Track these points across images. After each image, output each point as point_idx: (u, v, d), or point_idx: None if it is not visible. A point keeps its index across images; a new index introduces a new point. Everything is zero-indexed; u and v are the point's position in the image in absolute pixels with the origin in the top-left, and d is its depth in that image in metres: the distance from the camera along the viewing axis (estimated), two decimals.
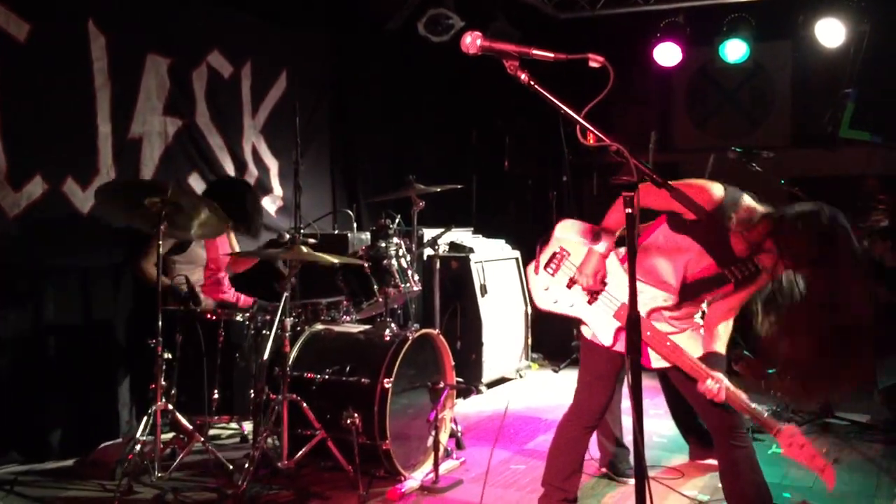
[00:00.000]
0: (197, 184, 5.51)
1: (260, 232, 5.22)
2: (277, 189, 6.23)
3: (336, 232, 6.27)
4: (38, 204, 4.56)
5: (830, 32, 6.78)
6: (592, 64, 2.32)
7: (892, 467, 4.56)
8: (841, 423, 5.41)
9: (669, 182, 2.45)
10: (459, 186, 5.50)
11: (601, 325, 3.33)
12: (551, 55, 2.37)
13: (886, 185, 7.61)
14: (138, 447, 3.98)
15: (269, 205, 6.18)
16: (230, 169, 5.78)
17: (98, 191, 4.37)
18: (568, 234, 3.42)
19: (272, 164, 6.19)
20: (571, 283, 3.38)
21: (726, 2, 7.23)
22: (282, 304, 4.17)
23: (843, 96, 7.55)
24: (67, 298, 4.75)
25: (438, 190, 5.20)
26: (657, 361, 3.23)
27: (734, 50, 7.19)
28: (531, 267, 3.49)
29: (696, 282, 3.16)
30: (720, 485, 4.24)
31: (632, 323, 2.25)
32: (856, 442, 5.09)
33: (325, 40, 6.69)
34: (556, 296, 3.43)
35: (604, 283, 3.32)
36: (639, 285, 2.75)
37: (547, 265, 3.45)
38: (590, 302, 3.35)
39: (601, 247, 3.25)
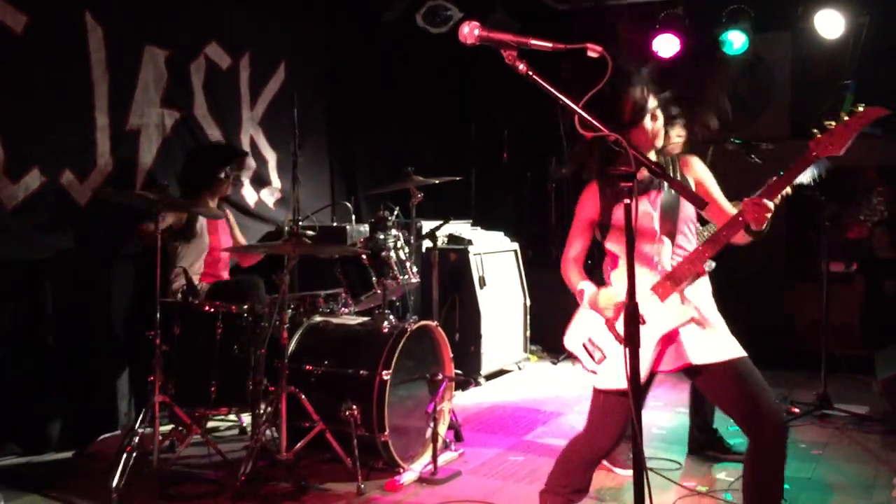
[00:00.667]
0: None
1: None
2: (276, 181, 6.22)
3: (335, 224, 6.26)
4: (36, 196, 4.55)
5: (830, 24, 6.76)
6: (591, 54, 2.31)
7: (889, 458, 4.57)
8: (839, 414, 5.42)
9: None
10: (458, 178, 5.50)
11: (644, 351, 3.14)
12: (549, 45, 2.36)
13: (884, 177, 7.62)
14: (137, 439, 3.98)
15: (268, 197, 6.17)
16: None
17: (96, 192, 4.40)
18: (573, 335, 3.22)
19: (270, 157, 6.18)
20: (614, 332, 3.06)
21: None
22: (280, 295, 4.17)
23: (841, 87, 7.54)
24: (65, 291, 4.75)
25: (437, 182, 5.19)
26: (670, 362, 3.05)
27: (734, 41, 7.17)
28: (594, 379, 3.13)
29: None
30: (719, 476, 4.28)
31: (629, 314, 2.25)
32: (854, 433, 5.10)
33: (323, 32, 6.67)
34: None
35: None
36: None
37: (596, 361, 3.12)
38: (643, 321, 2.99)
39: (588, 289, 3.10)
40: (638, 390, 2.33)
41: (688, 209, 3.07)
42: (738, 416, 3.04)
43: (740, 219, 2.85)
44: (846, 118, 2.83)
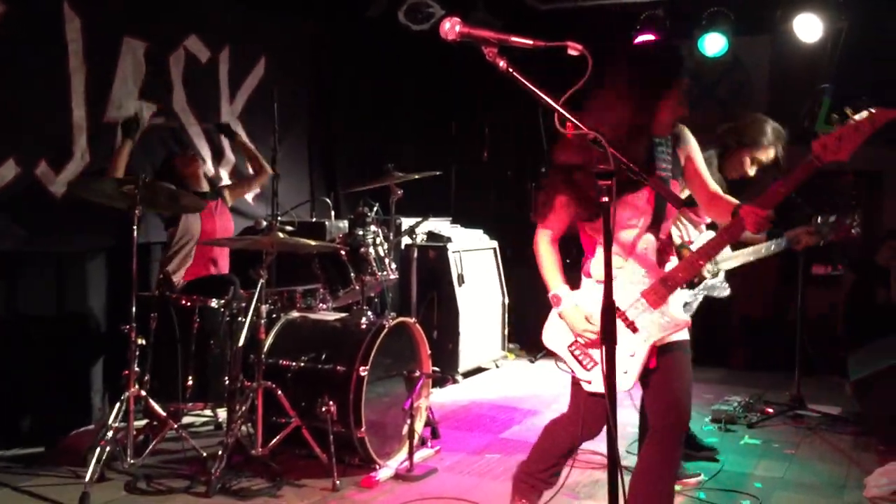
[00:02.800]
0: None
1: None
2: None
3: (314, 220, 6.23)
4: (11, 188, 4.49)
5: (808, 28, 6.82)
6: (571, 52, 2.32)
7: (861, 458, 4.62)
8: (812, 415, 5.48)
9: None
10: (438, 173, 5.48)
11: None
12: (530, 42, 2.36)
13: (863, 181, 7.70)
14: (110, 434, 3.94)
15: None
16: (207, 154, 5.74)
17: (71, 185, 4.34)
18: (555, 335, 3.09)
19: None
20: (585, 354, 2.97)
21: None
22: (257, 290, 4.15)
23: (819, 91, 7.61)
24: (40, 283, 4.70)
25: (416, 177, 5.18)
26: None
27: (713, 44, 7.22)
28: (586, 387, 2.97)
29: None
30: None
31: (606, 311, 2.25)
32: (827, 433, 5.16)
33: (304, 28, 6.64)
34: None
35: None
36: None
37: (585, 368, 2.98)
38: (633, 329, 2.92)
39: (565, 300, 2.98)
40: (614, 388, 2.34)
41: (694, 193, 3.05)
42: (653, 404, 2.98)
43: (739, 227, 2.77)
44: (854, 120, 2.67)
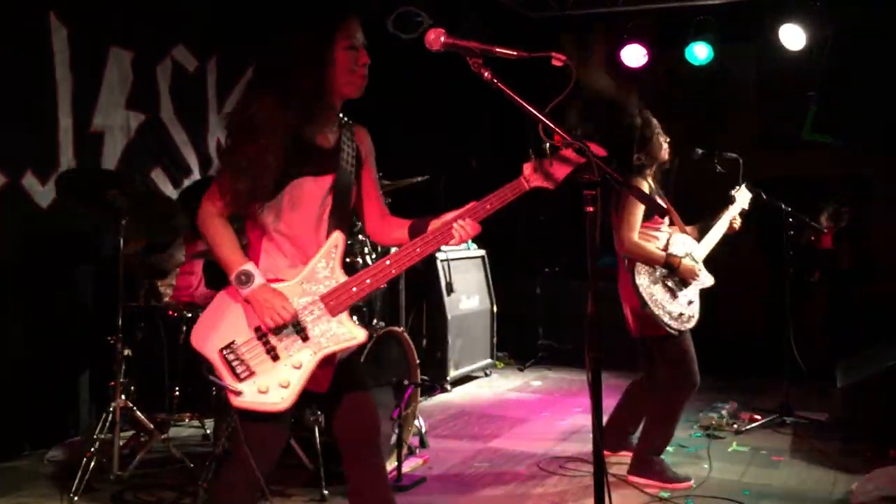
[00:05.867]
0: (160, 179, 5.45)
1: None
2: None
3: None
4: None
5: (794, 36, 6.88)
6: (555, 62, 2.33)
7: (848, 464, 4.63)
8: (800, 421, 5.49)
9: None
10: (426, 177, 5.45)
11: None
12: (514, 53, 2.38)
13: (848, 187, 7.76)
14: (97, 445, 3.93)
15: None
16: (194, 164, 5.73)
17: (58, 179, 4.32)
18: (208, 334, 2.55)
19: None
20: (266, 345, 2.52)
21: (693, 4, 7.30)
22: None
23: (805, 100, 7.66)
24: (26, 294, 4.67)
25: (404, 185, 5.17)
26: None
27: (699, 52, 7.27)
28: (233, 398, 2.49)
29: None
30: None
31: (591, 321, 2.26)
32: (814, 440, 5.17)
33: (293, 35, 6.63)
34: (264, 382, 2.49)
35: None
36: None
37: (238, 377, 2.48)
38: (304, 336, 2.53)
39: (258, 277, 2.51)
40: (599, 397, 2.33)
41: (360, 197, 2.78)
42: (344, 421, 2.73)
43: (443, 239, 2.61)
44: (564, 151, 2.50)
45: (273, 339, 2.51)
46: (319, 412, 4.06)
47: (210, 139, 5.88)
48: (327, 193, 2.63)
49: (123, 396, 4.04)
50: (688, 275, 4.26)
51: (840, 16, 6.94)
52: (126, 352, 4.10)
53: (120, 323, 4.04)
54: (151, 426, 4.14)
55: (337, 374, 2.61)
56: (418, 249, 2.57)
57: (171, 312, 4.33)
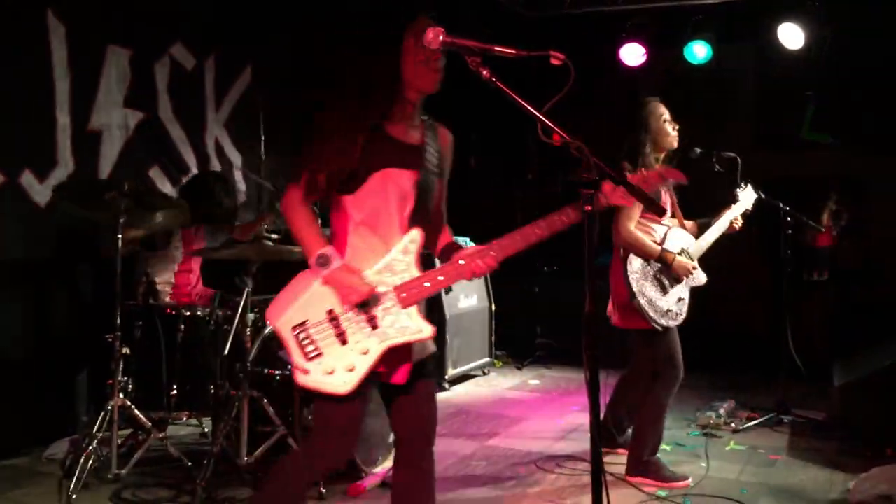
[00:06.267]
0: (158, 177, 5.45)
1: (236, 216, 5.18)
2: (241, 184, 6.18)
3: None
4: None
5: (793, 36, 6.88)
6: (553, 61, 2.33)
7: (845, 463, 4.64)
8: (797, 420, 5.50)
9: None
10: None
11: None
12: (513, 52, 2.38)
13: (845, 186, 7.76)
14: (95, 443, 3.93)
15: None
16: (192, 163, 5.73)
17: (56, 189, 4.33)
18: (285, 311, 2.63)
19: (236, 159, 6.14)
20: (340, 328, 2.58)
21: (691, 4, 7.30)
22: (243, 299, 4.14)
23: (804, 99, 7.67)
24: (24, 292, 4.68)
25: None
26: None
27: (698, 51, 7.27)
28: (299, 376, 2.58)
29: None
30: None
31: (589, 320, 2.26)
32: (812, 439, 5.18)
33: (292, 35, 6.63)
34: (344, 360, 2.57)
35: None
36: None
37: (307, 356, 2.58)
38: (374, 325, 2.60)
39: (336, 259, 2.60)
40: (597, 396, 2.34)
41: (437, 200, 2.78)
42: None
43: (458, 267, 2.64)
44: (645, 172, 2.57)
45: (344, 324, 2.58)
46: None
47: (208, 137, 5.88)
48: (410, 189, 2.68)
49: (121, 395, 4.04)
50: (681, 272, 4.27)
51: (838, 15, 6.94)
52: (124, 350, 4.10)
53: (118, 321, 4.04)
54: (149, 424, 4.14)
55: (416, 383, 2.72)
56: (442, 279, 2.67)
57: (169, 311, 4.33)
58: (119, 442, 4.05)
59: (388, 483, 4.13)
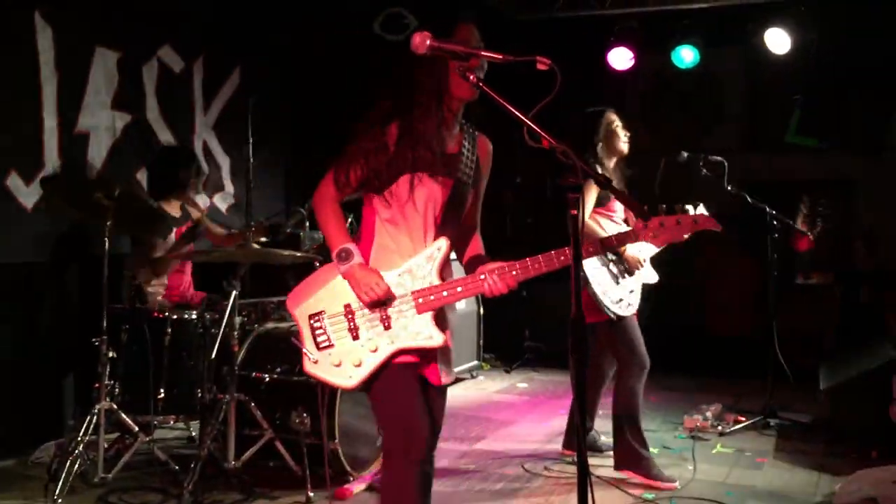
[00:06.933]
0: (146, 180, 5.43)
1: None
2: (229, 186, 6.17)
3: (289, 230, 6.21)
4: None
5: (780, 40, 6.92)
6: (540, 66, 2.34)
7: (832, 466, 4.66)
8: (783, 423, 5.53)
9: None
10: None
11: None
12: (499, 56, 2.39)
13: (831, 189, 7.82)
14: (81, 447, 3.91)
15: (221, 202, 6.11)
16: None
17: (43, 181, 4.30)
18: (305, 299, 2.71)
19: (224, 162, 6.13)
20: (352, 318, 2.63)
21: (679, 8, 7.33)
22: (231, 302, 4.13)
23: (791, 103, 7.72)
24: (10, 295, 4.65)
25: None
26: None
27: (685, 56, 7.30)
28: (307, 363, 2.65)
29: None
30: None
31: (574, 323, 2.27)
32: (798, 441, 5.20)
33: (282, 38, 6.63)
34: (357, 356, 2.61)
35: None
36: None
37: (318, 345, 2.64)
38: (387, 325, 2.62)
39: (357, 256, 2.62)
40: (583, 398, 2.36)
41: (468, 209, 2.78)
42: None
43: (477, 282, 2.63)
44: (679, 217, 2.65)
45: (358, 319, 2.62)
46: (306, 415, 4.06)
47: (196, 140, 5.87)
48: (442, 196, 2.68)
49: (108, 398, 4.03)
50: (632, 263, 4.42)
51: (825, 19, 6.99)
52: (111, 353, 4.08)
53: (105, 325, 4.03)
54: (136, 428, 4.12)
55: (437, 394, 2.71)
56: (459, 292, 2.63)
57: (156, 314, 4.32)
58: (106, 445, 4.03)
59: (376, 487, 4.14)
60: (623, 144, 4.53)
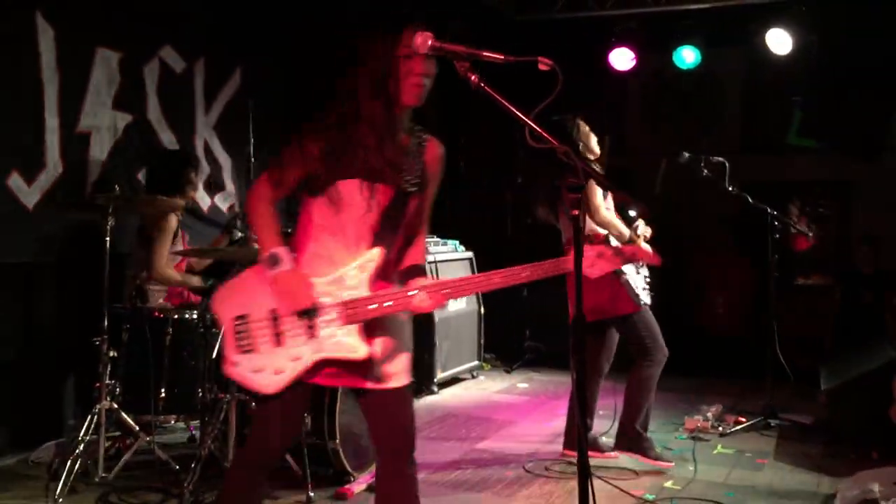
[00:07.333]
0: (146, 180, 5.43)
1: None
2: (230, 186, 6.17)
3: (289, 230, 6.21)
4: None
5: (781, 41, 6.93)
6: (541, 67, 2.34)
7: (832, 467, 4.67)
8: (784, 424, 5.53)
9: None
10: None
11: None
12: (501, 57, 2.38)
13: (832, 191, 7.82)
14: (82, 447, 3.92)
15: (222, 202, 6.12)
16: None
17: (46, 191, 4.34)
18: (229, 298, 2.63)
19: (225, 162, 6.12)
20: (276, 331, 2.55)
21: (680, 9, 7.34)
22: None
23: (791, 104, 7.72)
24: (11, 295, 4.65)
25: None
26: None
27: (686, 56, 7.31)
28: (227, 365, 2.60)
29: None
30: (666, 485, 4.34)
31: (576, 322, 2.27)
32: (798, 442, 5.21)
33: (282, 39, 6.63)
34: (276, 362, 2.55)
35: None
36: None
37: (240, 348, 2.57)
38: (311, 334, 2.54)
39: (287, 261, 2.55)
40: (584, 397, 2.36)
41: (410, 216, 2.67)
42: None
43: (406, 298, 2.54)
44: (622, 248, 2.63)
45: (283, 326, 2.54)
46: (306, 414, 4.06)
47: (197, 140, 5.87)
48: (380, 204, 2.59)
49: (109, 398, 4.03)
50: (648, 254, 4.52)
51: (826, 21, 7.00)
52: (112, 353, 4.09)
53: (106, 324, 4.03)
54: (137, 428, 4.13)
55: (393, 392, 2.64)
56: (386, 304, 2.54)
57: (156, 314, 4.32)
58: (106, 445, 4.04)
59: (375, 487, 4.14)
60: (596, 146, 4.68)
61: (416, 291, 2.54)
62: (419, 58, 2.56)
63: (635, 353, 4.61)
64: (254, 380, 2.55)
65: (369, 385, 2.62)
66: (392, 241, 2.65)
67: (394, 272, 2.67)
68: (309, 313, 2.53)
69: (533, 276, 2.57)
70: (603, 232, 4.51)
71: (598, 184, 2.43)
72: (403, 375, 2.67)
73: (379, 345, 2.61)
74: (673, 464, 4.55)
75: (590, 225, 4.49)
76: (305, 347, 2.53)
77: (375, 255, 2.58)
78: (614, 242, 4.45)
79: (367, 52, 2.64)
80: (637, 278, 4.56)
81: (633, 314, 4.52)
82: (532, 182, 5.09)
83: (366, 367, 2.59)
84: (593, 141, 4.71)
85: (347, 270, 2.57)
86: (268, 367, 2.54)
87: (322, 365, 2.55)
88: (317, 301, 2.53)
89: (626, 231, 4.58)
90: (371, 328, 2.58)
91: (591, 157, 4.67)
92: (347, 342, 2.53)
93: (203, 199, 5.92)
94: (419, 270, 2.69)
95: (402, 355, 2.67)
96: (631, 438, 4.57)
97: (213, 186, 6.01)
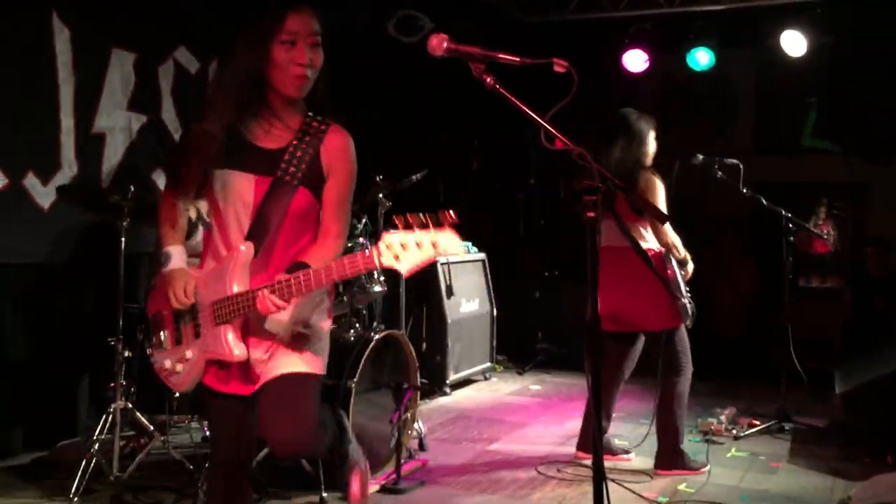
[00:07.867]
0: (161, 180, 5.45)
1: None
2: None
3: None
4: None
5: (794, 43, 6.90)
6: (557, 69, 2.33)
7: (846, 470, 4.64)
8: (798, 427, 5.50)
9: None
10: (424, 172, 5.40)
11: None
12: (517, 59, 2.38)
13: (847, 194, 7.78)
14: (97, 446, 3.93)
15: None
16: None
17: (60, 190, 4.34)
18: (154, 300, 2.70)
19: None
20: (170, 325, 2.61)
21: (693, 10, 7.32)
22: None
23: (805, 105, 7.69)
24: (27, 295, 4.68)
25: (404, 185, 5.15)
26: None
27: (700, 58, 7.29)
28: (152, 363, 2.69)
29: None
30: (679, 488, 4.33)
31: (591, 326, 2.26)
32: (812, 446, 5.18)
33: None
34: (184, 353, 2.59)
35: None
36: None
37: (155, 345, 2.68)
38: (196, 332, 2.56)
39: (174, 260, 2.58)
40: (598, 401, 2.35)
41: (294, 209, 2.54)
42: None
43: (261, 296, 2.38)
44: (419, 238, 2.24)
45: (182, 325, 2.60)
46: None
47: None
48: (254, 196, 2.52)
49: (124, 398, 4.05)
50: (690, 272, 4.62)
51: (840, 22, 6.96)
52: (126, 353, 4.11)
53: (120, 324, 4.05)
54: (151, 427, 4.15)
55: (276, 381, 2.53)
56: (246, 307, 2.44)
57: None
58: (121, 445, 4.05)
59: (389, 488, 4.16)
60: (652, 145, 4.68)
61: (259, 294, 2.37)
62: (301, 46, 2.54)
63: (667, 368, 4.51)
64: (165, 377, 2.65)
65: (250, 391, 2.56)
66: (274, 235, 2.53)
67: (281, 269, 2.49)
68: (190, 313, 2.55)
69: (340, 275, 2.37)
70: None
71: (616, 188, 2.41)
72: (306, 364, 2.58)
73: (261, 346, 2.55)
74: (709, 465, 4.60)
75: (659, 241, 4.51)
76: (193, 347, 2.57)
77: (242, 250, 2.49)
78: (673, 261, 4.49)
79: (245, 38, 2.58)
80: (686, 297, 4.49)
81: (678, 328, 4.50)
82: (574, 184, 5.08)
83: (247, 370, 2.55)
84: (651, 137, 4.67)
85: (220, 267, 2.53)
86: (169, 364, 2.61)
87: (209, 365, 2.57)
88: (190, 301, 2.53)
89: (683, 251, 4.55)
90: (253, 328, 2.53)
91: (646, 156, 4.64)
92: (220, 342, 2.49)
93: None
94: (301, 265, 2.43)
95: (291, 355, 2.56)
96: (673, 458, 4.54)
97: None
